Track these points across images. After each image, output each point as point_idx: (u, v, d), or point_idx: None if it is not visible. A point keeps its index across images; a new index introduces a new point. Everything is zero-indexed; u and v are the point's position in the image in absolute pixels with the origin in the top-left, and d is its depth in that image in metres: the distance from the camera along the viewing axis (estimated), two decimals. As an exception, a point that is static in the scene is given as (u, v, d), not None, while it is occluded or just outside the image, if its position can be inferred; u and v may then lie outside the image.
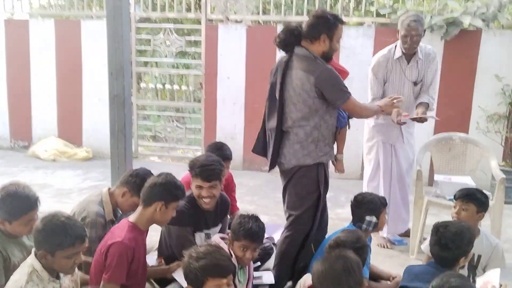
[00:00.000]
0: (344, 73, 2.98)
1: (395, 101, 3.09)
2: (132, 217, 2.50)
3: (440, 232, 2.34)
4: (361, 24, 5.82)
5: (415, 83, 3.69)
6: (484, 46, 5.27)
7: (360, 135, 4.05)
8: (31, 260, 2.07)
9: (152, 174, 2.89)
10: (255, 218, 2.68)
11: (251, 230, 2.56)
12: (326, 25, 2.78)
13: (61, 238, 2.00)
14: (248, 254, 2.58)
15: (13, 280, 2.07)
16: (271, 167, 2.98)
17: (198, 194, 2.85)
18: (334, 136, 2.97)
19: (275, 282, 2.97)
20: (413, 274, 2.40)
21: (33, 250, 2.11)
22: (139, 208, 2.50)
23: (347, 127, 3.08)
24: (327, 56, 2.84)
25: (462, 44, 5.28)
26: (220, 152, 3.34)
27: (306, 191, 2.88)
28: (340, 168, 3.10)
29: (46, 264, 2.04)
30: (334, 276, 1.97)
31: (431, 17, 5.22)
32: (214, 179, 2.82)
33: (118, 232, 2.40)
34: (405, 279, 2.45)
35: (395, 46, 3.68)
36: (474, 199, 2.74)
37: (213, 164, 2.85)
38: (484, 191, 3.48)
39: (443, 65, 5.28)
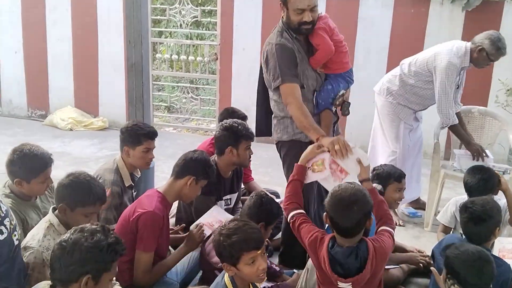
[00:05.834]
0: (324, 51, 2.62)
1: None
2: (161, 188, 2.53)
3: (470, 208, 2.32)
4: (380, -7, 5.67)
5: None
6: (506, 17, 5.11)
7: (373, 108, 3.96)
8: (49, 216, 2.15)
9: (142, 123, 2.95)
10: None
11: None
12: None
13: (84, 195, 2.09)
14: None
15: (31, 234, 2.15)
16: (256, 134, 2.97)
17: (248, 156, 2.97)
18: (317, 117, 2.72)
19: (283, 250, 2.94)
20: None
21: (51, 207, 2.19)
22: (170, 180, 2.53)
23: (338, 112, 2.80)
24: (295, 30, 2.59)
25: (483, 15, 5.13)
26: (236, 114, 3.49)
27: (291, 170, 2.67)
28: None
29: (62, 220, 2.12)
30: (345, 201, 1.93)
31: (452, -13, 5.07)
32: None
33: (148, 202, 2.40)
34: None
35: (464, 53, 3.61)
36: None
37: (246, 124, 3.05)
38: (501, 165, 3.46)
39: (463, 37, 5.15)
